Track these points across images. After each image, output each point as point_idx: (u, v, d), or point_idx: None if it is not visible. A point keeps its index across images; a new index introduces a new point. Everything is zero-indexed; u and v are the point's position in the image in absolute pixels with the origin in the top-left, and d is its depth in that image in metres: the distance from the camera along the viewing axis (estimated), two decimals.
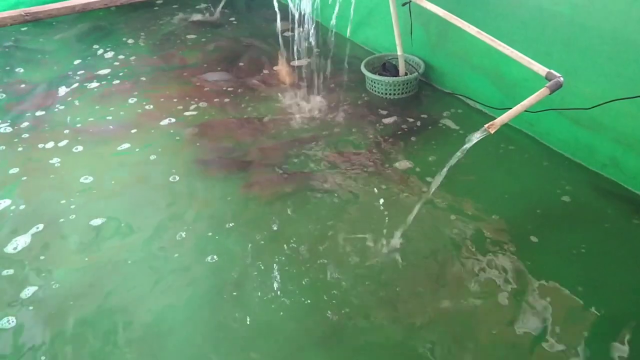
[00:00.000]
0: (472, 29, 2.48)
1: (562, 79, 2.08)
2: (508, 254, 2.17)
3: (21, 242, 2.31)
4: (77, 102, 3.37)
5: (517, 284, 2.04)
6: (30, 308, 2.04)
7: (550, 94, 2.07)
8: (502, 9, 2.72)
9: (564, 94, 2.16)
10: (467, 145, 2.08)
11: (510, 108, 2.08)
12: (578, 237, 2.23)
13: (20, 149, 2.94)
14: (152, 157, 2.84)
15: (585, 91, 2.41)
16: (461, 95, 3.21)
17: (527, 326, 1.89)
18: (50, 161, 2.83)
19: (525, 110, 2.06)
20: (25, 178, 2.72)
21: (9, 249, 2.29)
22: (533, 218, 2.34)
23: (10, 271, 2.19)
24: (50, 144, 2.96)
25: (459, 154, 2.11)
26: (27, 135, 3.06)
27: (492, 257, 2.16)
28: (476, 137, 2.05)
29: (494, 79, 2.94)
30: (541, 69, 2.16)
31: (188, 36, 4.30)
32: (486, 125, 2.01)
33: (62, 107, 3.32)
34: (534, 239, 2.23)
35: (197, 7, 4.89)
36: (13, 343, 1.90)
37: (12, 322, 1.97)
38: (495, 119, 2.05)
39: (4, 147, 2.96)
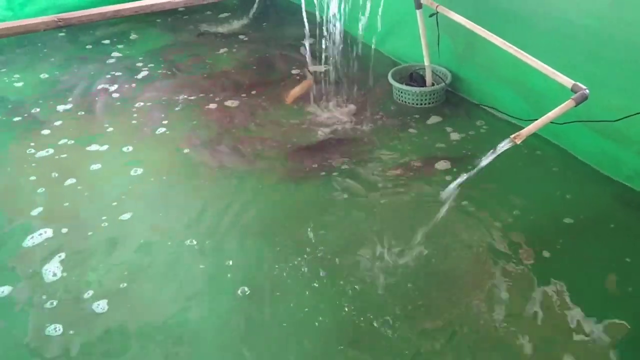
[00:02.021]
0: (498, 41, 2.54)
1: (587, 91, 2.12)
2: (531, 265, 2.19)
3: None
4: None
5: (542, 295, 2.07)
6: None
7: (575, 106, 2.11)
8: (528, 21, 2.77)
9: (590, 106, 2.19)
10: (493, 155, 2.12)
11: (536, 119, 2.12)
12: (603, 248, 2.25)
13: None
14: (165, 177, 2.96)
15: (611, 104, 2.44)
16: (487, 106, 3.25)
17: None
18: None
19: (551, 122, 2.10)
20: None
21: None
22: (557, 228, 2.36)
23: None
24: None
25: (484, 163, 2.16)
26: None
27: (516, 267, 2.19)
28: (502, 147, 2.10)
29: (520, 90, 2.98)
30: (567, 81, 2.21)
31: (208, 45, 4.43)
32: (512, 136, 2.07)
33: None
34: (557, 249, 2.26)
35: (220, 16, 5.02)
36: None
37: (59, 329, 2.04)
38: (521, 129, 2.10)
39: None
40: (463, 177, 2.29)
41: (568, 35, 2.57)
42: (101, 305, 2.10)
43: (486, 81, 3.23)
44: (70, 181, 2.81)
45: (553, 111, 2.10)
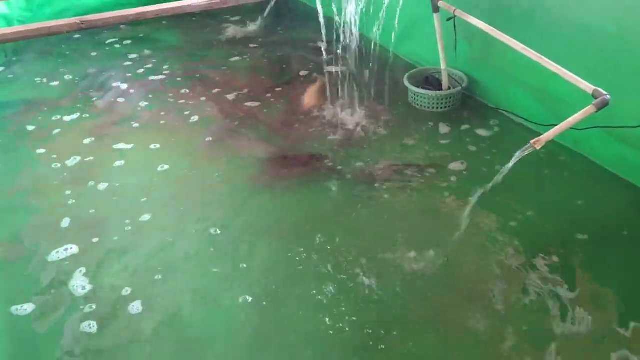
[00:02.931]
0: (517, 45, 2.52)
1: (608, 96, 2.09)
2: (551, 273, 2.17)
3: None
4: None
5: (560, 304, 2.05)
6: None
7: (596, 112, 2.09)
8: (548, 26, 2.74)
9: (610, 111, 2.16)
10: (513, 160, 2.11)
11: (554, 124, 2.10)
12: (625, 256, 2.22)
13: None
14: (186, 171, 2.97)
15: (632, 109, 2.41)
16: (505, 111, 3.22)
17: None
18: None
19: (571, 128, 2.09)
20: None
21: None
22: (577, 235, 2.34)
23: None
24: None
25: (504, 169, 2.15)
26: None
27: (534, 275, 2.16)
28: (521, 152, 2.08)
29: (538, 95, 2.96)
30: (588, 87, 2.18)
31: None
32: (532, 141, 2.05)
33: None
34: (578, 256, 2.23)
35: (237, 19, 5.03)
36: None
37: (93, 326, 2.06)
38: (539, 134, 2.08)
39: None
40: (487, 186, 2.28)
41: (588, 40, 2.54)
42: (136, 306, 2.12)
43: (503, 85, 3.21)
44: (100, 185, 2.82)
45: (574, 117, 2.08)
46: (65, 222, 2.54)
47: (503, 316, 2.00)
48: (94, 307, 2.12)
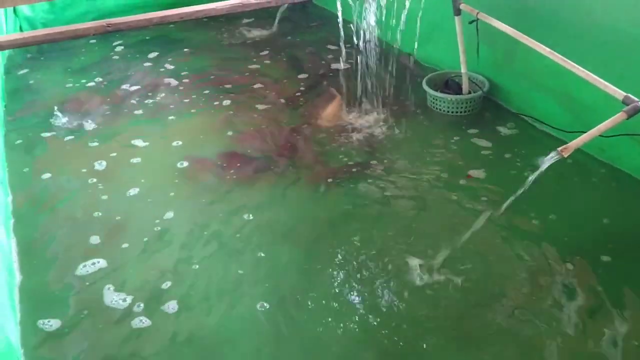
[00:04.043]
0: (543, 49, 2.45)
1: None
2: (575, 281, 2.10)
3: None
4: None
5: (585, 313, 1.98)
6: None
7: (627, 119, 2.02)
8: (574, 29, 2.67)
9: (638, 119, 2.09)
10: (540, 169, 2.05)
11: (581, 131, 2.04)
12: None
13: None
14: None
15: None
16: (527, 116, 3.15)
17: None
18: None
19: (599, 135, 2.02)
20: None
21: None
22: (602, 244, 2.26)
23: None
24: None
25: (531, 177, 2.09)
26: None
27: (558, 284, 2.10)
28: (548, 160, 2.02)
29: (563, 101, 2.88)
30: (618, 93, 2.11)
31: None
32: (559, 149, 1.99)
33: None
34: (603, 266, 2.16)
35: (256, 21, 4.99)
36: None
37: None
38: (563, 141, 2.02)
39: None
40: (515, 194, 2.22)
41: (617, 44, 2.47)
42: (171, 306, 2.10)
43: (526, 90, 3.13)
44: (131, 190, 2.79)
45: (603, 124, 2.02)
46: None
47: (523, 323, 1.93)
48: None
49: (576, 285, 2.08)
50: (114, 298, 2.14)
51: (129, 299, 2.13)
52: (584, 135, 2.01)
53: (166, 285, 2.19)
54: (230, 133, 3.24)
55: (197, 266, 2.27)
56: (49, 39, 1.97)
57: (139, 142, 3.17)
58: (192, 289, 2.17)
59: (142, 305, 2.10)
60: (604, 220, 2.40)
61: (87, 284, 2.22)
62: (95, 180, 2.85)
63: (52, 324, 2.04)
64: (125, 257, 2.35)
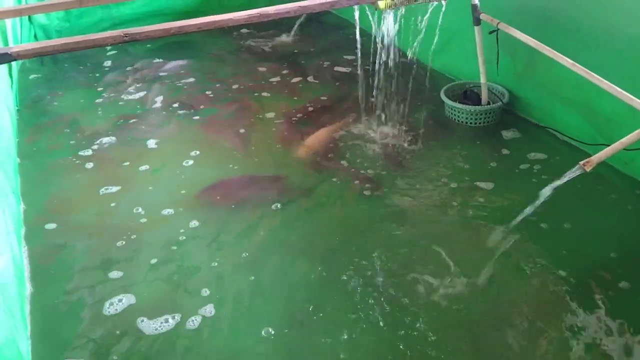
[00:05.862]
0: (566, 61, 2.40)
1: None
2: (595, 301, 2.04)
3: None
4: None
5: (605, 331, 1.92)
6: None
7: None
8: (596, 40, 2.62)
9: None
10: (559, 182, 2.00)
11: (602, 144, 1.99)
12: None
13: None
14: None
15: None
16: (548, 128, 3.09)
17: None
18: None
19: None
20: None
21: None
22: (624, 262, 2.20)
23: None
24: None
25: (549, 191, 2.03)
26: None
27: (578, 303, 2.04)
28: (570, 174, 1.97)
29: (585, 113, 2.82)
30: None
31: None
32: (581, 163, 1.94)
33: None
34: (624, 285, 2.10)
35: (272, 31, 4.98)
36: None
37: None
38: (585, 154, 1.97)
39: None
40: (534, 204, 2.17)
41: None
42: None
43: (547, 102, 3.08)
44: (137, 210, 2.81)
45: (627, 137, 1.96)
46: None
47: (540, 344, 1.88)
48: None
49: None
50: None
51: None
52: (607, 148, 1.96)
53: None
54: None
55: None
56: (65, 49, 1.97)
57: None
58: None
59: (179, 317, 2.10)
60: (626, 238, 2.34)
61: None
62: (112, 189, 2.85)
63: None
64: (140, 269, 2.33)
